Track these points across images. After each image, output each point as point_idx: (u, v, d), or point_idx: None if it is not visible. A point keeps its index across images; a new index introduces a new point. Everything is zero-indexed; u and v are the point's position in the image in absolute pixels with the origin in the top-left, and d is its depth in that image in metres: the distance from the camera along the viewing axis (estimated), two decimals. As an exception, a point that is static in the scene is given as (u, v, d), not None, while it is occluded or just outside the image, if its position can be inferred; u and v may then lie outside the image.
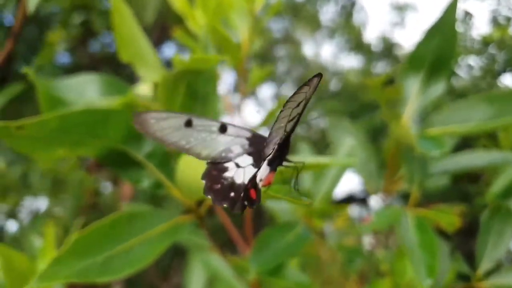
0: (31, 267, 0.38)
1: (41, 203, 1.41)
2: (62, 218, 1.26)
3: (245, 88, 0.48)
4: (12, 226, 1.51)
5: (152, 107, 0.35)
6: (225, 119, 0.54)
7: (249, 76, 0.48)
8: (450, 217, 0.42)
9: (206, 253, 0.53)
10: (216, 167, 0.25)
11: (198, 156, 0.25)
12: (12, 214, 1.47)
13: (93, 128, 0.29)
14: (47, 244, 0.46)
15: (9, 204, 1.38)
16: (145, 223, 0.31)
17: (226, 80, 0.47)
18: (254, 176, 0.22)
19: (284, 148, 0.24)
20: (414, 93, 0.48)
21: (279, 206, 0.50)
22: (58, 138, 0.28)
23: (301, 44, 3.44)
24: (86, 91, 0.34)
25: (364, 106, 1.45)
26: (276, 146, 0.23)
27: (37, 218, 1.35)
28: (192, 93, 0.32)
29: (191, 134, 0.25)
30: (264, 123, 0.45)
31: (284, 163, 0.24)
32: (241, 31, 0.45)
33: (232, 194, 0.23)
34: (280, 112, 0.22)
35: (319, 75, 0.21)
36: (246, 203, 0.22)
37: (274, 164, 0.24)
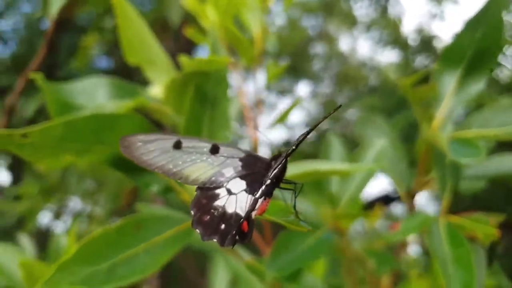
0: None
1: (81, 204, 1.45)
2: (100, 218, 1.29)
3: (259, 86, 0.46)
4: (57, 226, 1.57)
5: (162, 110, 0.34)
6: (240, 120, 0.53)
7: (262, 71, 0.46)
8: (487, 228, 0.38)
9: (227, 254, 0.52)
10: (206, 194, 0.23)
11: (186, 180, 0.23)
12: (57, 215, 1.53)
13: (100, 134, 0.28)
14: (70, 243, 0.46)
15: (53, 204, 1.43)
16: (153, 229, 0.30)
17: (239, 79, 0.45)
18: (251, 209, 0.21)
19: (282, 173, 0.23)
20: (450, 91, 0.44)
21: (301, 207, 0.49)
22: (64, 145, 0.27)
23: (337, 41, 3.39)
24: (96, 94, 0.33)
25: (401, 102, 1.40)
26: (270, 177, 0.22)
27: (77, 218, 1.40)
28: (200, 96, 0.31)
29: (180, 156, 0.23)
30: (280, 120, 0.43)
31: (282, 185, 0.23)
32: (253, 28, 0.43)
33: (223, 226, 0.21)
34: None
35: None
36: (237, 237, 0.20)
37: (269, 191, 0.22)
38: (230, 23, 0.42)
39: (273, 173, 0.22)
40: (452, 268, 0.32)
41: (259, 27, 0.43)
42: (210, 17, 0.44)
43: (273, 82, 0.45)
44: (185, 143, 0.24)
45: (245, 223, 0.20)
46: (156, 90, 0.35)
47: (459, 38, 0.43)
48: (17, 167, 1.80)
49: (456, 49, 0.43)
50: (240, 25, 0.46)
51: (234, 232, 0.20)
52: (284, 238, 0.40)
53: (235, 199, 0.23)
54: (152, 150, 0.23)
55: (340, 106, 0.21)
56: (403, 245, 0.55)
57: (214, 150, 0.24)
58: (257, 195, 0.21)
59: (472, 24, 0.41)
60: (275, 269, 0.37)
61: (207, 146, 0.24)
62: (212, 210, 0.22)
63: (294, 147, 0.22)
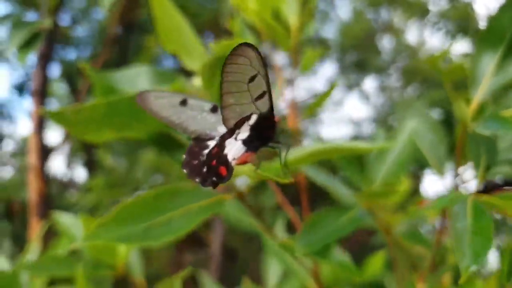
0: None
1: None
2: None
3: (296, 73, 0.48)
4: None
5: (200, 95, 0.38)
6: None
7: (300, 59, 0.48)
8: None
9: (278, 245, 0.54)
10: (198, 144, 0.26)
11: (185, 131, 0.27)
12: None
13: (139, 113, 0.32)
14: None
15: (121, 197, 1.53)
16: (186, 198, 0.33)
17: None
18: (219, 154, 0.23)
19: (265, 129, 0.24)
20: (489, 73, 0.44)
21: (340, 190, 0.50)
22: (107, 122, 0.32)
23: (403, 33, 3.28)
24: (138, 81, 0.38)
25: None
26: (249, 127, 0.24)
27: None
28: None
29: (184, 111, 0.27)
30: (314, 107, 0.45)
31: (270, 144, 0.25)
32: (290, 16, 0.45)
33: (205, 169, 0.24)
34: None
35: (248, 45, 0.21)
36: (214, 179, 0.23)
37: (252, 144, 0.24)
38: (268, 13, 0.45)
39: (249, 124, 0.24)
40: (470, 238, 0.32)
41: (296, 15, 0.45)
42: (250, 7, 0.47)
43: (308, 68, 0.47)
44: (191, 101, 0.27)
45: (223, 168, 0.23)
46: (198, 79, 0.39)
47: (498, 18, 0.42)
48: (90, 164, 1.94)
49: (496, 30, 0.43)
50: (279, 17, 0.48)
51: (210, 174, 0.23)
52: (317, 216, 0.42)
53: None
54: (163, 104, 0.27)
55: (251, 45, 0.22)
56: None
57: (214, 109, 0.27)
58: (230, 139, 0.24)
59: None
60: (304, 245, 0.39)
61: (208, 105, 0.27)
62: (200, 156, 0.25)
63: (270, 106, 0.24)
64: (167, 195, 0.33)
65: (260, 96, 0.23)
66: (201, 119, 0.27)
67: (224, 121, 0.25)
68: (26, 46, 0.70)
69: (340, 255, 0.39)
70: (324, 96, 0.45)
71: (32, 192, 0.88)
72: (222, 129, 0.26)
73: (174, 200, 0.33)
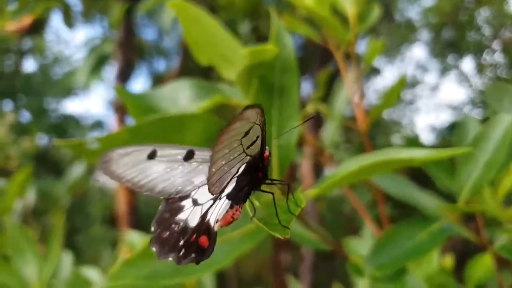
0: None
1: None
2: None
3: (359, 68, 0.43)
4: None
5: (242, 104, 0.34)
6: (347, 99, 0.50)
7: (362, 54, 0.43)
8: None
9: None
10: (170, 206, 0.21)
11: (151, 192, 0.22)
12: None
13: (168, 136, 0.29)
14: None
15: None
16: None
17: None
18: (202, 221, 0.18)
19: (257, 172, 0.20)
20: None
21: (421, 200, 0.43)
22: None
23: (505, 2, 2.94)
24: (178, 97, 0.35)
25: None
26: (236, 178, 0.19)
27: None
28: (266, 87, 0.30)
29: (151, 167, 0.22)
30: (385, 104, 0.39)
31: (264, 186, 0.21)
32: (347, 8, 0.40)
33: (181, 242, 0.19)
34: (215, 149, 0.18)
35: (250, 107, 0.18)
36: (194, 255, 0.18)
37: (239, 196, 0.20)
38: (325, 8, 0.40)
39: (230, 173, 0.20)
40: None
41: (355, 8, 0.39)
42: (306, 2, 0.43)
43: (372, 59, 0.42)
44: (160, 151, 0.22)
45: (204, 238, 0.18)
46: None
47: None
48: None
49: None
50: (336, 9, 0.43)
51: (189, 250, 0.18)
52: (392, 231, 0.37)
53: (200, 210, 0.20)
54: (127, 163, 0.22)
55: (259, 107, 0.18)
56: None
57: (189, 156, 0.22)
58: (213, 202, 0.19)
59: None
60: (375, 266, 0.34)
61: (181, 152, 0.22)
62: (172, 225, 0.20)
63: (261, 148, 0.20)
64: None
65: (253, 143, 0.19)
66: (171, 172, 0.22)
67: (210, 186, 0.20)
68: (95, 68, 0.72)
69: (415, 281, 0.33)
70: (392, 95, 0.39)
71: (121, 203, 0.92)
72: (198, 180, 0.22)
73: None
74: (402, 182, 0.41)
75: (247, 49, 0.28)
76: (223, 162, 0.19)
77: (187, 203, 0.21)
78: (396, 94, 0.39)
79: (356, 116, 0.44)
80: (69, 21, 0.90)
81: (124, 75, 0.89)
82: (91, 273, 0.66)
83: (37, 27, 0.78)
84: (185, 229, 0.20)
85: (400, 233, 0.37)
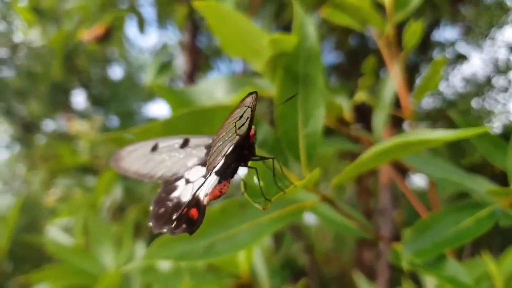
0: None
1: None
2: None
3: (398, 57, 0.41)
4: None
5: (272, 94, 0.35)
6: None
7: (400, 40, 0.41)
8: None
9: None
10: (166, 188, 0.24)
11: (151, 178, 0.25)
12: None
13: (199, 128, 0.31)
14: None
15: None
16: (257, 210, 0.31)
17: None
18: (194, 195, 0.20)
19: (243, 150, 0.22)
20: None
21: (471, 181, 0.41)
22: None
23: None
24: (215, 92, 0.37)
25: None
26: (224, 157, 0.21)
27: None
28: (291, 76, 0.31)
29: (152, 158, 0.25)
30: (421, 93, 0.38)
31: (250, 162, 0.22)
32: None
33: (175, 215, 0.21)
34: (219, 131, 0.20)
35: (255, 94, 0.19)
36: (185, 226, 0.20)
37: (227, 172, 0.21)
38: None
39: (219, 158, 0.21)
40: None
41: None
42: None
43: (412, 43, 0.40)
44: (161, 143, 0.25)
45: (194, 210, 0.20)
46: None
47: None
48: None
49: None
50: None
51: (180, 221, 0.20)
52: (434, 216, 0.36)
53: (192, 186, 0.22)
54: (134, 157, 0.25)
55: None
56: None
57: (184, 144, 0.25)
58: (206, 178, 0.21)
59: None
60: (413, 252, 0.33)
61: (179, 142, 0.25)
62: (167, 202, 0.22)
63: (248, 127, 0.21)
64: (235, 208, 0.31)
65: (243, 124, 0.21)
66: (168, 160, 0.25)
67: (208, 165, 0.22)
68: (161, 71, 0.76)
69: (456, 267, 0.32)
70: (433, 77, 0.38)
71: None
72: (191, 162, 0.24)
73: (243, 213, 0.31)
74: (447, 167, 0.40)
75: (269, 38, 0.29)
76: (220, 143, 0.21)
77: (180, 183, 0.24)
78: (436, 78, 0.37)
79: (401, 104, 0.43)
80: (142, 27, 0.96)
81: (191, 77, 0.93)
82: (165, 262, 0.70)
83: (110, 35, 0.85)
84: (178, 204, 0.22)
85: (443, 218, 0.35)
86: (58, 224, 1.03)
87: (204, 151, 0.25)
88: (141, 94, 2.33)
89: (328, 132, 0.46)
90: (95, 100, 2.15)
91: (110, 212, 1.20)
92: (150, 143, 0.26)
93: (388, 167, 0.62)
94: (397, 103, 0.46)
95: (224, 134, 0.21)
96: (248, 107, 0.20)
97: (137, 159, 0.25)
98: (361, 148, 0.49)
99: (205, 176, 0.23)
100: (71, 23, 0.87)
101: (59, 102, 1.90)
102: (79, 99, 2.20)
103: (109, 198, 1.18)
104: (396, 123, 0.66)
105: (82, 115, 2.01)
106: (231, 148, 0.22)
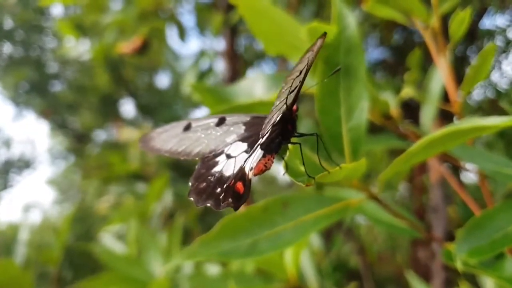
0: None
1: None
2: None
3: (445, 48, 0.39)
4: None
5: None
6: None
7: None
8: None
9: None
10: (205, 164, 0.23)
11: (188, 155, 0.24)
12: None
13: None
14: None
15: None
16: (301, 207, 0.30)
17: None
18: (241, 168, 0.19)
19: (287, 124, 0.21)
20: None
21: None
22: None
23: None
24: (253, 89, 0.36)
25: None
26: (271, 127, 0.20)
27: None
28: (332, 68, 0.30)
29: (187, 136, 0.25)
30: (470, 84, 0.35)
31: (293, 139, 0.21)
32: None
33: (218, 190, 0.20)
34: (281, 88, 0.19)
35: (323, 36, 0.18)
36: (231, 200, 0.19)
37: (271, 146, 0.20)
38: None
39: (268, 128, 0.20)
40: None
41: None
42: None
43: (459, 33, 0.38)
44: (195, 123, 0.25)
45: (240, 184, 0.19)
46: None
47: None
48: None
49: None
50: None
51: (226, 195, 0.19)
52: (490, 212, 0.33)
53: (234, 161, 0.22)
54: (164, 138, 0.25)
55: (325, 35, 0.17)
56: None
57: (220, 122, 0.24)
58: (251, 152, 0.20)
59: None
60: (466, 251, 0.30)
61: (213, 120, 0.24)
62: (209, 177, 0.22)
63: (296, 93, 0.20)
64: (278, 206, 0.30)
65: (294, 89, 0.20)
66: (205, 137, 0.25)
67: (263, 130, 0.21)
68: (200, 78, 0.77)
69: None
70: (482, 66, 0.35)
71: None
72: (230, 139, 0.24)
73: (286, 212, 0.30)
74: (500, 159, 0.37)
75: (307, 26, 0.28)
76: (274, 109, 0.21)
77: (221, 158, 0.24)
78: (486, 67, 0.34)
79: (450, 98, 0.41)
80: (182, 35, 0.98)
81: (232, 82, 0.93)
82: (213, 268, 0.70)
83: (148, 47, 0.86)
84: (220, 178, 0.22)
85: (500, 214, 0.32)
86: (111, 231, 1.05)
87: (243, 127, 0.25)
88: (187, 102, 2.37)
89: (375, 129, 0.44)
90: (143, 109, 2.22)
91: (161, 218, 1.21)
92: (182, 123, 0.26)
93: (438, 163, 0.59)
94: (446, 97, 0.44)
95: (280, 101, 0.20)
96: (306, 65, 0.19)
97: (170, 138, 0.26)
98: (410, 145, 0.47)
99: (247, 151, 0.23)
100: (110, 36, 0.89)
101: (109, 112, 1.97)
102: (128, 108, 2.27)
103: (160, 205, 1.20)
104: (445, 118, 0.63)
105: (132, 123, 2.07)
106: (278, 118, 0.21)
